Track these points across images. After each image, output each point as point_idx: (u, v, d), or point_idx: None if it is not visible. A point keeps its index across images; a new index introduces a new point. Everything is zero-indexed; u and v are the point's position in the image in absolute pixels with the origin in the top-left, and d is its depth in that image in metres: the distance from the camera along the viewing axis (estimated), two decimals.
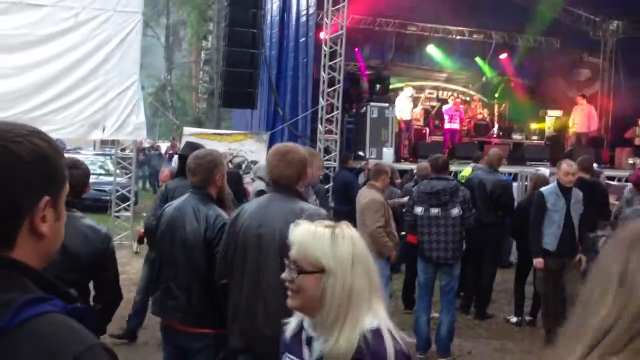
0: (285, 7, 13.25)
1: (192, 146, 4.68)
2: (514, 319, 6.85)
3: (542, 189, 6.24)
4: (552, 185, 6.11)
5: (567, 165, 5.88)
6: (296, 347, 1.85)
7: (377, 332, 1.71)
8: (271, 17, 13.59)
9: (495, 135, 16.37)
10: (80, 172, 3.13)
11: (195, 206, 3.35)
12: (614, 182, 10.14)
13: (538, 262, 5.98)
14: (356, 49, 16.54)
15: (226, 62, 11.09)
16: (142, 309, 5.61)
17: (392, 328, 1.73)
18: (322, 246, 1.76)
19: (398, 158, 12.60)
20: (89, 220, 3.11)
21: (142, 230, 5.83)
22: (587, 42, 18.01)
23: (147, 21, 26.64)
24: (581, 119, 15.18)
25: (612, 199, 7.40)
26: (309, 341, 1.81)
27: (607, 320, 0.89)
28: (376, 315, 1.74)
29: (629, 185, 8.22)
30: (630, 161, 13.43)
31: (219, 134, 12.06)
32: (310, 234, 1.80)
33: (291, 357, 1.89)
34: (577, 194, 5.94)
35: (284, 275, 1.84)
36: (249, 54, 10.87)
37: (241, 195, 5.67)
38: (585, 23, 17.77)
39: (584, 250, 5.97)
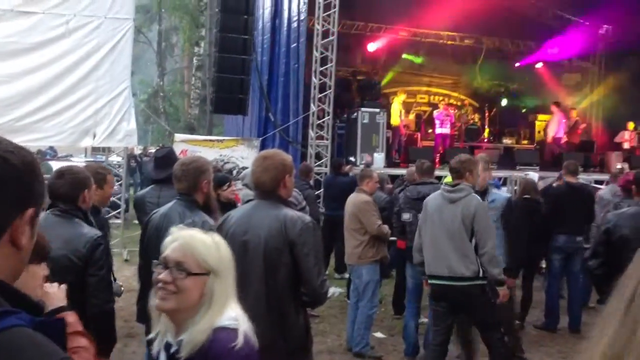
0: (276, 13, 13.31)
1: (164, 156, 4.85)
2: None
3: None
4: None
5: None
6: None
7: (229, 329, 1.78)
8: (263, 23, 13.64)
9: (485, 140, 16.47)
10: (62, 181, 3.11)
11: (182, 213, 3.38)
12: (602, 186, 10.21)
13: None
14: (349, 54, 16.66)
15: (218, 68, 11.14)
16: None
17: (246, 327, 1.81)
18: (209, 249, 1.84)
19: (390, 163, 12.66)
20: (83, 226, 3.10)
21: None
22: (577, 45, 18.13)
23: (139, 27, 26.68)
24: (552, 126, 15.55)
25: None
26: (167, 347, 1.83)
27: (615, 346, 0.87)
28: (233, 314, 1.82)
29: (606, 188, 8.34)
30: (619, 166, 13.52)
31: (210, 140, 12.10)
32: (194, 238, 1.86)
33: None
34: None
35: (162, 276, 1.82)
36: (240, 60, 10.92)
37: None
38: (575, 26, 17.89)
39: None
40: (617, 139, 15.47)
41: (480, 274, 4.43)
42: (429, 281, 4.75)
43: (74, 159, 14.43)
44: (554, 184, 7.76)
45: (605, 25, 18.30)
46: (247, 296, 2.95)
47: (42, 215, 3.07)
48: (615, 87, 17.40)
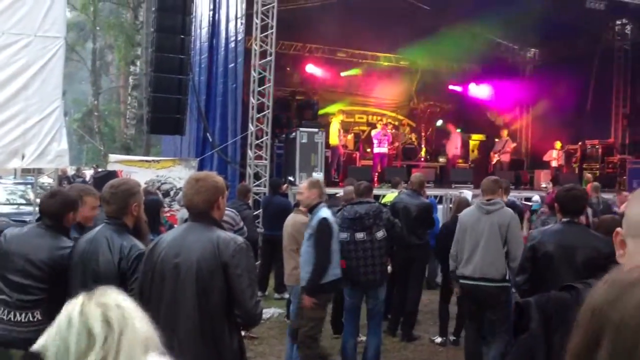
0: (213, 34, 13.25)
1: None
2: (438, 340, 7.01)
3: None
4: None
5: None
6: None
7: None
8: (200, 43, 13.56)
9: (422, 159, 16.84)
10: (53, 201, 3.55)
11: (110, 237, 3.28)
12: (531, 203, 10.62)
13: None
14: (287, 74, 16.78)
15: (153, 87, 10.97)
16: None
17: None
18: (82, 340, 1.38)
19: (329, 182, 12.74)
20: (65, 240, 3.50)
21: None
22: (506, 68, 18.92)
23: (72, 45, 26.01)
24: (449, 145, 16.61)
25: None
26: None
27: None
28: None
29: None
30: (544, 185, 14.10)
31: (146, 161, 11.86)
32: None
33: None
34: None
35: None
36: (177, 79, 10.80)
37: (158, 226, 5.56)
38: (504, 50, 18.67)
39: None
40: (545, 158, 16.14)
41: (507, 277, 5.23)
42: (460, 281, 5.54)
43: (2, 181, 13.84)
44: None
45: (533, 49, 19.19)
46: (179, 319, 2.91)
47: (31, 226, 3.77)
48: (543, 107, 18.21)
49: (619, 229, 1.35)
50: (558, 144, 15.99)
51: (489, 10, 13.59)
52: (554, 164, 15.91)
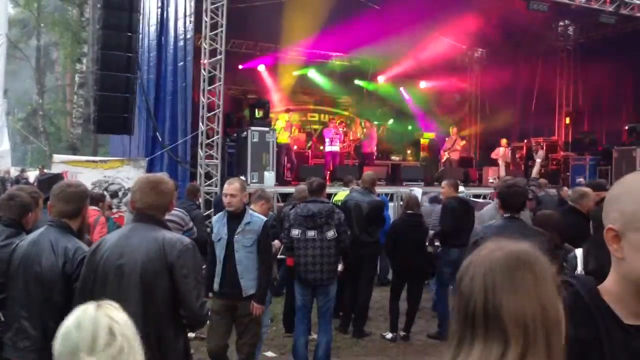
0: (162, 31, 13.01)
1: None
2: (389, 335, 7.10)
3: None
4: None
5: None
6: None
7: None
8: (148, 40, 13.29)
9: (374, 157, 17.00)
10: (13, 202, 3.65)
11: (54, 239, 3.19)
12: (480, 200, 10.86)
13: None
14: (239, 72, 16.66)
15: (100, 86, 10.69)
16: None
17: None
18: None
19: (280, 181, 12.72)
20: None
21: None
22: (455, 67, 19.28)
23: (15, 42, 25.17)
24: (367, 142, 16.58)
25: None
26: None
27: None
28: None
29: (492, 202, 8.86)
30: (491, 180, 14.45)
31: (93, 161, 11.59)
32: None
33: None
34: None
35: None
36: (124, 77, 10.57)
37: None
38: (453, 50, 18.99)
39: None
40: (493, 155, 16.53)
41: None
42: None
43: None
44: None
45: (480, 49, 19.62)
46: None
47: None
48: (491, 105, 18.66)
49: (612, 225, 1.34)
50: (504, 141, 16.41)
51: (437, 10, 13.84)
52: (500, 161, 16.30)
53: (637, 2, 13.73)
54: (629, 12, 13.84)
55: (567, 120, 17.13)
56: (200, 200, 10.83)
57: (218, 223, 5.04)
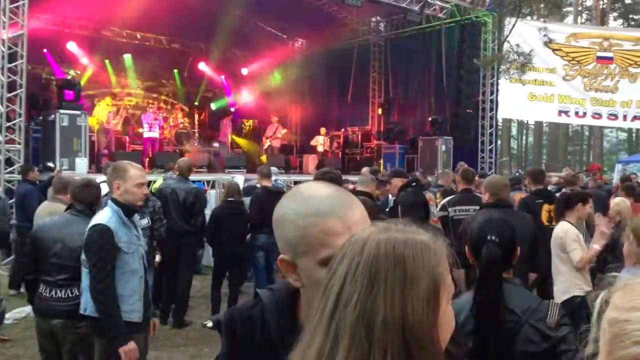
0: None
1: None
2: (210, 324, 7.04)
3: None
4: None
5: None
6: None
7: None
8: None
9: (196, 144, 16.69)
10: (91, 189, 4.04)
11: None
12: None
13: None
14: (46, 51, 15.26)
15: None
16: None
17: None
18: None
19: (96, 168, 11.96)
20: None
21: None
22: (276, 57, 19.54)
23: None
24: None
25: None
26: None
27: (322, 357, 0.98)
28: None
29: None
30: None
31: None
32: None
33: None
34: None
35: None
36: None
37: None
38: (274, 39, 19.25)
39: None
40: (312, 143, 17.11)
41: None
42: None
43: None
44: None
45: (300, 39, 20.12)
46: None
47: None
48: (310, 95, 19.25)
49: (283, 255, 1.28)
50: (323, 130, 17.04)
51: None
52: (320, 149, 16.94)
53: (439, 3, 15.12)
54: (432, 12, 15.27)
55: (380, 111, 18.24)
56: (0, 188, 9.85)
57: None
